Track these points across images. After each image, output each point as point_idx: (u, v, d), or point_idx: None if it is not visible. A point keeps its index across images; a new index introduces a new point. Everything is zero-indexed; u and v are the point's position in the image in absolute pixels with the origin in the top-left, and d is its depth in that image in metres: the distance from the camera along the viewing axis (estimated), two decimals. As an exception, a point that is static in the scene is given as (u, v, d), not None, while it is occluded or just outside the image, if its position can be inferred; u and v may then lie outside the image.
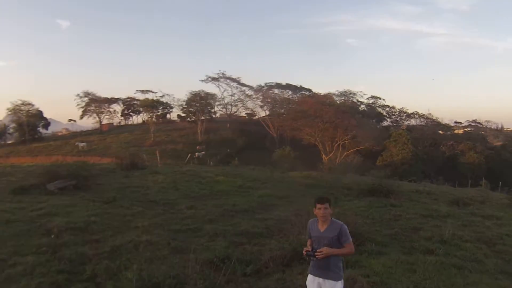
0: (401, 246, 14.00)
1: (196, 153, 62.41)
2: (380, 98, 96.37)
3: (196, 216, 17.15)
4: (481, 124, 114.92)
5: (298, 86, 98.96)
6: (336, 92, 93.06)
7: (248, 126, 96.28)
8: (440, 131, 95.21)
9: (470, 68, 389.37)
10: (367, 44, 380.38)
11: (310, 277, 6.78)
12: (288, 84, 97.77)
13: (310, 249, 6.56)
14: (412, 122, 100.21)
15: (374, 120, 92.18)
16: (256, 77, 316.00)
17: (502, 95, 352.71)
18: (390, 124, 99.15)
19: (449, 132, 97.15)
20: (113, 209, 17.43)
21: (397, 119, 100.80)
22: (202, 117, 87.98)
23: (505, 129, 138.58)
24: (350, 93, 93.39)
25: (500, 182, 49.59)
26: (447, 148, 79.04)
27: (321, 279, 6.59)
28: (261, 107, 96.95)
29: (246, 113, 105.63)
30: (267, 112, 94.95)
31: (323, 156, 70.80)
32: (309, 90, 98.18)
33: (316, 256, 6.38)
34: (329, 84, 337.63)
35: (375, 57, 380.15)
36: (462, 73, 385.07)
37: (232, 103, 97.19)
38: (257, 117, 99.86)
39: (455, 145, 79.21)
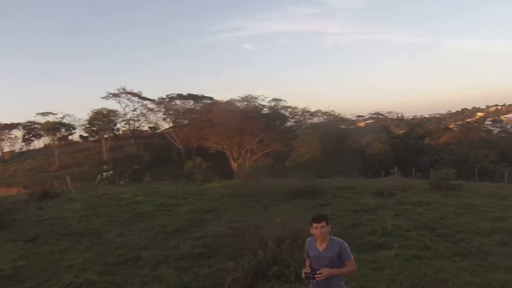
0: (350, 245, 13.64)
1: (104, 173, 60.33)
2: (281, 100, 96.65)
3: (128, 243, 15.99)
4: (383, 115, 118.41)
5: (200, 95, 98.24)
6: (238, 98, 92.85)
7: (152, 140, 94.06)
8: (342, 126, 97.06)
9: (369, 63, 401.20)
10: (265, 47, 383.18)
11: None
12: (190, 94, 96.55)
13: (309, 271, 6.08)
14: (316, 120, 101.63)
15: (278, 122, 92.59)
16: (159, 89, 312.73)
17: (400, 85, 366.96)
18: (294, 124, 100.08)
19: (352, 126, 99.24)
20: (38, 248, 15.90)
21: (301, 118, 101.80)
22: (106, 135, 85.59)
23: (405, 118, 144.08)
24: (252, 98, 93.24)
25: (414, 169, 51.05)
26: (353, 142, 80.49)
27: None
28: (164, 119, 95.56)
29: (149, 127, 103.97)
30: (171, 124, 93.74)
31: (232, 162, 70.42)
32: (211, 98, 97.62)
33: (316, 279, 5.96)
34: (230, 90, 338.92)
35: (274, 60, 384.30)
36: (361, 68, 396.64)
37: (135, 118, 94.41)
38: (160, 130, 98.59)
39: (360, 138, 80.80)
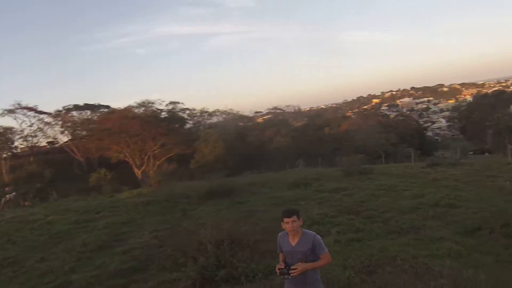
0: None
1: (7, 196, 58.04)
2: (179, 103, 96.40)
3: (53, 268, 15.06)
4: (281, 109, 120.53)
5: (96, 104, 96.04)
6: (136, 104, 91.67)
7: (52, 155, 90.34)
8: (241, 123, 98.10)
9: (264, 59, 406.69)
10: (157, 51, 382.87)
11: None
12: (86, 104, 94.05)
13: (283, 266, 5.82)
14: (215, 119, 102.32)
15: (177, 125, 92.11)
16: (56, 101, 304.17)
17: (296, 79, 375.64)
18: (192, 125, 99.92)
19: (251, 123, 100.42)
20: (-42, 286, 14.75)
21: (199, 119, 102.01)
22: (5, 155, 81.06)
23: (302, 110, 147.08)
24: (149, 103, 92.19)
25: (319, 158, 52.24)
26: (254, 138, 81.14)
27: None
28: (62, 132, 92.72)
29: (47, 142, 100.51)
30: (69, 137, 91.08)
31: (136, 170, 69.51)
32: (108, 107, 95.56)
33: (291, 274, 5.68)
34: (127, 97, 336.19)
35: (169, 63, 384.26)
36: (257, 65, 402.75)
37: (32, 134, 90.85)
38: (59, 144, 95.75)
39: (260, 133, 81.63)
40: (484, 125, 78.21)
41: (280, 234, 6.25)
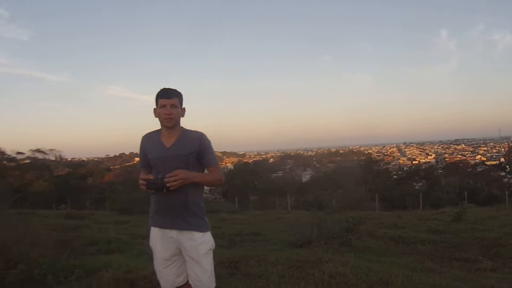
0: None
1: None
2: None
3: None
4: (45, 153, 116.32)
5: None
6: None
7: None
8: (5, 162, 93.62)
9: (27, 100, 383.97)
10: None
11: (155, 232, 3.72)
12: None
13: (153, 177, 3.53)
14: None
15: None
16: None
17: (59, 125, 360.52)
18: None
19: (13, 163, 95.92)
20: None
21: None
22: None
23: (64, 159, 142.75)
24: None
25: (88, 202, 51.50)
26: (15, 179, 77.22)
27: (175, 231, 3.61)
28: None
29: None
30: None
31: None
32: None
33: (168, 186, 3.33)
34: None
35: None
36: (19, 104, 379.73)
37: None
38: None
39: (22, 175, 78.02)
40: (247, 190, 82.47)
41: (144, 136, 3.84)
